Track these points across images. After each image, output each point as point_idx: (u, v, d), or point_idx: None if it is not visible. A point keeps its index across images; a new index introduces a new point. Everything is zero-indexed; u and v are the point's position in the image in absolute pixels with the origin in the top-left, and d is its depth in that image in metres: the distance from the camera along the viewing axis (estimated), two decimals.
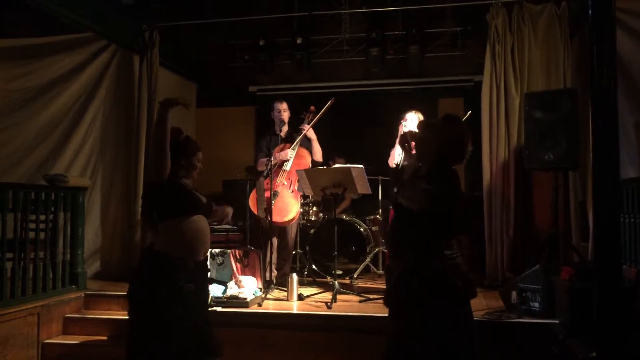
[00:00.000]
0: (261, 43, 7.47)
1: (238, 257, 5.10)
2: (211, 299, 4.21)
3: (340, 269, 5.75)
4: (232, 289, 4.70)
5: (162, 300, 2.91)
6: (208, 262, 3.47)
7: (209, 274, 3.38)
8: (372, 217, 6.34)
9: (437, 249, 2.79)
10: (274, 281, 5.22)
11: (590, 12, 2.28)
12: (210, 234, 3.23)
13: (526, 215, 5.42)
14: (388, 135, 5.28)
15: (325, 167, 5.50)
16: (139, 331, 2.99)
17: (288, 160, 5.37)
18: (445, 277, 2.75)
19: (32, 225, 4.58)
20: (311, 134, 5.46)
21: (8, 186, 4.41)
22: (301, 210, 5.64)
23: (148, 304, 2.95)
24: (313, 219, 6.23)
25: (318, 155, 5.50)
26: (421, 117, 5.01)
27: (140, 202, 5.86)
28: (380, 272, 5.93)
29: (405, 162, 4.83)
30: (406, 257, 2.82)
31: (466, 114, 5.28)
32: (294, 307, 4.65)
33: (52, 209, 4.79)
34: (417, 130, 3.19)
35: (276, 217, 5.12)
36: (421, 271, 2.77)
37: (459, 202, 2.93)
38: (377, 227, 6.19)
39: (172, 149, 3.07)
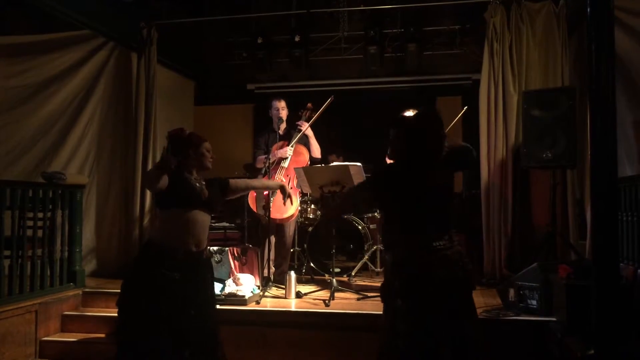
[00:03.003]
0: (259, 41, 7.46)
1: (236, 254, 5.11)
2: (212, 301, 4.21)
3: (338, 267, 5.74)
4: (230, 287, 4.70)
5: (141, 287, 3.00)
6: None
7: (214, 270, 3.42)
8: (370, 215, 6.34)
9: (428, 238, 2.77)
10: (272, 279, 5.22)
11: (588, 10, 2.29)
12: (206, 230, 3.27)
13: (524, 213, 5.42)
14: (386, 133, 5.25)
15: (323, 165, 5.50)
16: (120, 317, 3.07)
17: (287, 157, 5.37)
18: (429, 270, 2.73)
19: (30, 223, 4.58)
20: (309, 131, 5.46)
21: (6, 184, 4.40)
22: (299, 207, 5.64)
23: (129, 290, 3.05)
24: (311, 217, 6.22)
25: (316, 152, 5.51)
26: None
27: (138, 200, 5.90)
28: (379, 269, 5.93)
29: None
30: (393, 250, 2.82)
31: (464, 111, 5.29)
32: (292, 304, 4.65)
33: (50, 206, 4.78)
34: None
35: (276, 214, 5.12)
36: (412, 262, 2.76)
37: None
38: (375, 225, 6.19)
39: (178, 144, 3.16)
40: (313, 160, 5.51)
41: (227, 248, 5.11)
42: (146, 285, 3.00)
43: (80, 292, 4.95)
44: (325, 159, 5.86)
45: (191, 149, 3.22)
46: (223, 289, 4.68)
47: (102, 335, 4.56)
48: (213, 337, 3.20)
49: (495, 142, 5.40)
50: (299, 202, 5.41)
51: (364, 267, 6.01)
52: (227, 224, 6.74)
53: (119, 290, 3.14)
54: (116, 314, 3.13)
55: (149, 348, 2.95)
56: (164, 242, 3.08)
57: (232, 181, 3.54)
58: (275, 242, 5.39)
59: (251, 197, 5.38)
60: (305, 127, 5.39)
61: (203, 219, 3.22)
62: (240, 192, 3.72)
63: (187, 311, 3.08)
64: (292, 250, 5.78)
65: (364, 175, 4.85)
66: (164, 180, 3.02)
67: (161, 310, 2.97)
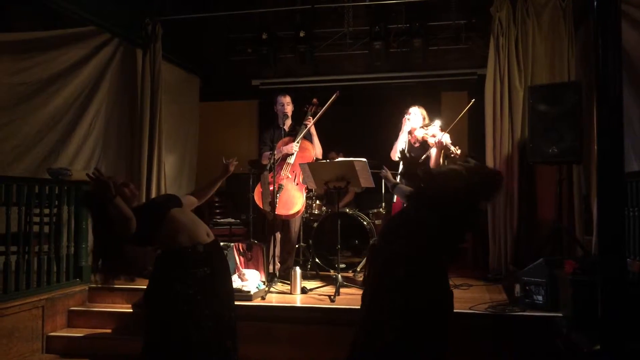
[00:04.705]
0: (264, 36, 7.47)
1: (241, 250, 5.11)
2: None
3: (344, 263, 5.75)
4: (236, 282, 4.70)
5: (179, 294, 2.91)
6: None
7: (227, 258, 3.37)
8: (375, 210, 6.34)
9: (436, 252, 2.77)
10: (278, 274, 5.23)
11: (594, 4, 2.27)
12: (199, 220, 3.23)
13: (530, 209, 5.41)
14: (391, 129, 5.27)
15: (328, 160, 5.49)
16: (159, 327, 2.96)
17: (292, 153, 5.36)
18: (431, 278, 2.72)
19: (36, 219, 4.60)
20: (312, 129, 5.45)
21: (12, 180, 4.42)
22: (305, 203, 5.63)
23: (166, 301, 2.94)
24: (316, 212, 6.22)
25: (318, 151, 5.49)
26: (424, 113, 5.01)
27: (144, 196, 5.90)
28: None
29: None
30: (400, 243, 2.78)
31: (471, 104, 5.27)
32: (298, 300, 4.66)
33: (56, 202, 4.79)
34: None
35: (282, 210, 5.12)
36: (410, 261, 2.75)
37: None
38: (380, 220, 6.19)
39: (95, 204, 3.01)
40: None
41: (232, 244, 5.12)
42: (178, 289, 2.91)
43: (86, 287, 4.97)
44: (325, 156, 5.84)
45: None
46: None
47: (108, 331, 4.58)
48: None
49: (500, 137, 5.39)
50: (304, 198, 5.41)
51: None
52: (233, 220, 6.75)
53: (129, 291, 3.04)
54: (122, 310, 3.09)
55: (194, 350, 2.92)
56: (181, 245, 2.99)
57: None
58: (281, 238, 5.39)
59: (257, 193, 5.38)
60: (311, 122, 5.38)
61: (189, 213, 3.20)
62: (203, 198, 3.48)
63: (224, 301, 3.08)
64: (297, 246, 5.78)
65: (369, 170, 4.85)
66: (129, 219, 2.84)
67: (202, 308, 2.94)
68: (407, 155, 3.41)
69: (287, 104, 5.48)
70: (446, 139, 4.54)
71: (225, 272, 3.22)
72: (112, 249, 2.92)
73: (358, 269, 5.75)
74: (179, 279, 2.93)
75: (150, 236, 3.00)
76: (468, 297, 4.57)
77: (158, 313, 2.97)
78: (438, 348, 2.74)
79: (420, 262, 2.74)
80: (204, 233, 3.09)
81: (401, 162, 4.81)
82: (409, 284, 2.71)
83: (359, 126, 7.75)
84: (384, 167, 4.05)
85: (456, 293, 4.79)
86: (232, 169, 3.56)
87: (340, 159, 5.65)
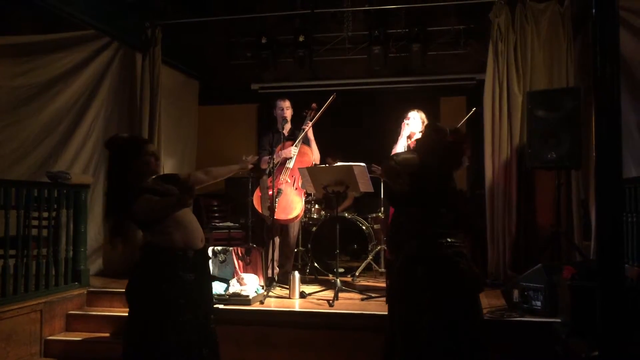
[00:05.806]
0: (263, 41, 7.48)
1: (240, 254, 5.11)
2: (214, 296, 4.19)
3: (342, 267, 5.74)
4: (234, 287, 4.70)
5: (163, 293, 2.90)
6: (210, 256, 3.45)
7: (210, 265, 3.34)
8: (374, 215, 6.34)
9: (439, 235, 2.80)
10: (276, 279, 5.23)
11: (593, 10, 2.28)
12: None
13: (528, 214, 5.41)
14: (390, 133, 5.27)
15: (327, 165, 5.49)
16: (139, 326, 2.96)
17: (291, 157, 5.37)
18: (450, 262, 2.77)
19: (35, 223, 4.60)
20: (310, 134, 5.45)
21: (10, 183, 4.42)
22: (303, 207, 5.63)
23: (148, 299, 2.93)
24: (315, 216, 6.23)
25: (316, 156, 5.49)
26: (423, 117, 5.02)
27: None
28: (382, 270, 5.93)
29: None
30: (407, 246, 2.82)
31: (469, 112, 5.29)
32: (296, 304, 4.66)
33: (55, 206, 4.79)
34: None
35: (281, 215, 5.12)
36: (424, 258, 2.78)
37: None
38: (379, 225, 6.19)
39: (119, 156, 3.00)
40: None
41: (231, 248, 5.12)
42: (164, 290, 2.90)
43: (84, 291, 4.96)
44: (322, 162, 5.84)
45: (133, 158, 2.98)
46: (227, 288, 4.69)
47: (107, 335, 4.58)
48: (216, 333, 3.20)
49: (499, 142, 5.39)
50: (303, 202, 5.41)
51: (368, 268, 6.01)
52: (232, 224, 6.75)
53: (127, 302, 3.02)
54: (120, 314, 3.06)
55: (169, 351, 2.91)
56: (173, 245, 2.96)
57: (183, 178, 3.26)
58: (279, 242, 5.39)
59: (256, 197, 5.38)
60: (309, 126, 5.38)
61: (191, 213, 3.18)
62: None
63: (204, 309, 3.07)
64: (295, 250, 5.78)
65: (368, 175, 4.86)
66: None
67: (185, 312, 2.93)
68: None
69: (286, 109, 5.48)
70: None
71: (208, 279, 3.21)
72: (123, 204, 2.92)
73: (357, 274, 5.75)
74: (166, 280, 2.91)
75: (150, 224, 2.99)
76: None
77: (140, 312, 2.96)
78: (477, 334, 2.77)
79: (434, 258, 2.78)
80: (199, 239, 3.07)
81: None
82: (428, 280, 2.74)
83: (358, 131, 7.76)
84: (373, 165, 4.08)
85: None
86: (250, 166, 3.71)
87: (338, 164, 5.66)
